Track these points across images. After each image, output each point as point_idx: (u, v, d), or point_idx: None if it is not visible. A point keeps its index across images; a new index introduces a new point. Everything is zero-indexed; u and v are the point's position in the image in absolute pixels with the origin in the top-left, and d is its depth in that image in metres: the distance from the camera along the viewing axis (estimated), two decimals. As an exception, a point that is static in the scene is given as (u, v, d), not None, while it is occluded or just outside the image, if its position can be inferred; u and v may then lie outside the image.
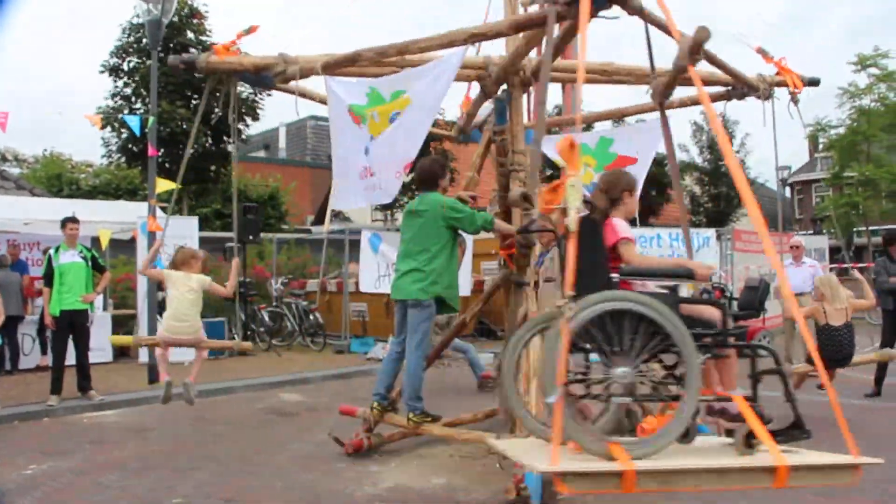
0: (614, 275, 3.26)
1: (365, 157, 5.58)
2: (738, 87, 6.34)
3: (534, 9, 4.38)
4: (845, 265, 24.70)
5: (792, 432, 3.18)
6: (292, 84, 5.62)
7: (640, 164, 6.86)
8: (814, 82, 6.73)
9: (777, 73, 6.38)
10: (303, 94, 6.17)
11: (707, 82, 5.99)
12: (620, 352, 3.07)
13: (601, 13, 3.95)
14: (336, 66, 5.52)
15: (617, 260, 3.50)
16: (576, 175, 2.96)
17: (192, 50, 15.95)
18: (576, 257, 2.87)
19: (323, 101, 5.88)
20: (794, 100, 6.40)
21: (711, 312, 3.38)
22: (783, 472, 2.72)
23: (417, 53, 5.38)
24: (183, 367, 11.24)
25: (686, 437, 3.15)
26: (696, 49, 3.90)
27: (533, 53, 5.69)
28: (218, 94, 5.94)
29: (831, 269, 21.45)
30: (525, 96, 6.18)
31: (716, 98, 6.56)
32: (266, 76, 5.64)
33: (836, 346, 7.08)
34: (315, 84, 6.00)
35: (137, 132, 10.54)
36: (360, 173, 5.64)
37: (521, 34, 5.08)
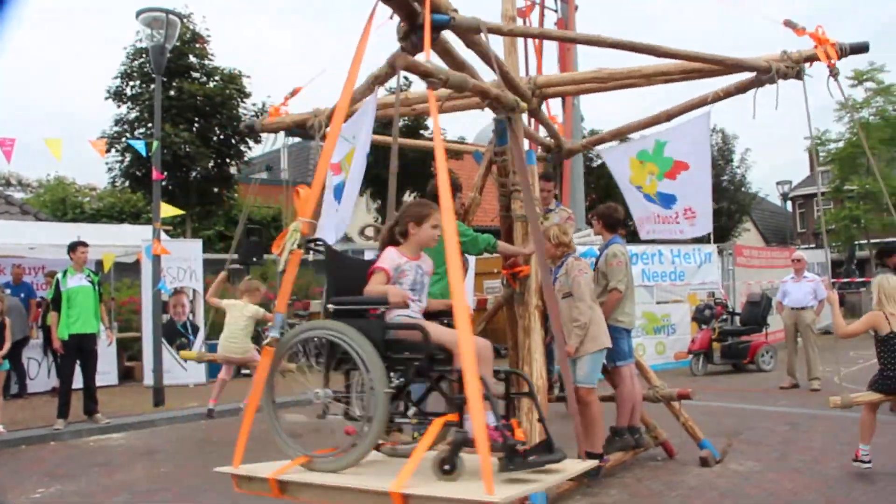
0: (330, 305, 3.31)
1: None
2: (761, 74, 5.46)
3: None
4: (845, 280, 24.73)
5: (543, 454, 2.96)
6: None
7: (694, 169, 6.26)
8: (860, 48, 5.40)
9: (815, 47, 5.35)
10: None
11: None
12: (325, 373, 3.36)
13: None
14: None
15: None
16: (300, 221, 3.29)
17: (195, 76, 16.09)
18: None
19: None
20: (833, 73, 5.36)
21: (416, 336, 3.07)
22: (398, 498, 2.61)
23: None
24: (188, 389, 11.33)
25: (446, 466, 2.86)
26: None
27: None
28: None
29: (833, 284, 21.46)
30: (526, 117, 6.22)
31: (745, 87, 5.74)
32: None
33: None
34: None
35: (144, 153, 10.63)
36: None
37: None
